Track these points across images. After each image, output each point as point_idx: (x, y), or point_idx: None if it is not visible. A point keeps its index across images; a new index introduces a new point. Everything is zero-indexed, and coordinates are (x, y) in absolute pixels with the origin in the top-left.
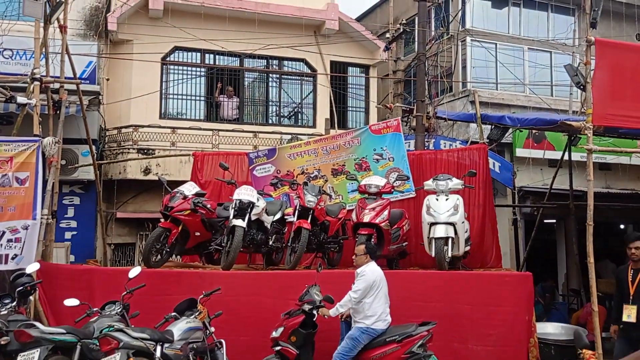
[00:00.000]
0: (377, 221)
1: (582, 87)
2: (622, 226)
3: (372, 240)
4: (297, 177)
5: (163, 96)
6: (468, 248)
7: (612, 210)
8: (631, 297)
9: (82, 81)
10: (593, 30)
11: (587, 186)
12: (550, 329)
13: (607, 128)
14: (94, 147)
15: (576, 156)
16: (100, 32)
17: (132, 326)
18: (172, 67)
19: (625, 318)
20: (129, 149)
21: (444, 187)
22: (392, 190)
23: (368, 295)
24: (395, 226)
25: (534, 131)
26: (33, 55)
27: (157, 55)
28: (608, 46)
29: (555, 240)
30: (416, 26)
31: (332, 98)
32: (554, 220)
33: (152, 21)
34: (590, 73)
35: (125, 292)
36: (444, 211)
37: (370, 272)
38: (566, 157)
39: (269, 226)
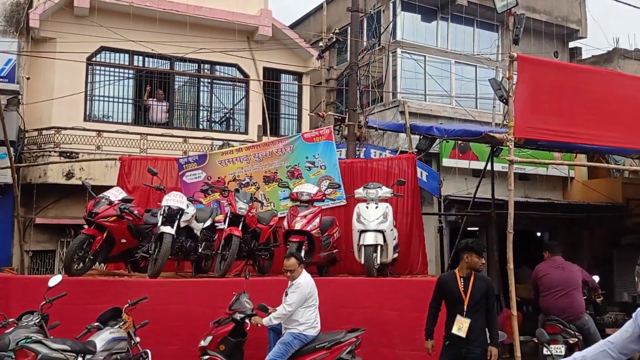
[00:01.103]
0: (308, 229)
1: (504, 100)
2: (539, 234)
3: (303, 247)
4: (228, 183)
5: (88, 98)
6: (396, 255)
7: (530, 219)
8: (465, 309)
9: (1, 79)
10: (515, 47)
11: (508, 195)
12: None
13: (526, 140)
14: (12, 149)
15: (498, 167)
16: (21, 28)
17: (52, 337)
18: (98, 67)
19: (455, 330)
20: (50, 151)
21: (374, 196)
22: (324, 198)
23: (302, 306)
24: (326, 234)
25: (459, 142)
26: None
27: (83, 55)
28: (529, 62)
29: None
30: (349, 36)
31: (264, 105)
32: (477, 228)
33: (77, 19)
34: (512, 87)
35: (44, 302)
36: (374, 219)
37: (304, 284)
38: (489, 167)
39: (198, 233)
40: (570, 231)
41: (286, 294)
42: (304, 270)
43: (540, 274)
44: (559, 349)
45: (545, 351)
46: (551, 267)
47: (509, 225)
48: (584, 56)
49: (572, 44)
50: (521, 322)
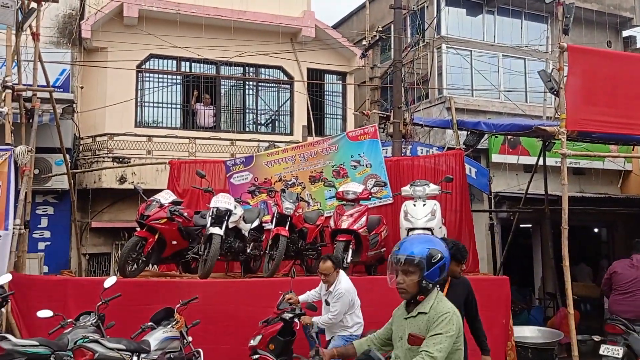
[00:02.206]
0: (355, 227)
1: (555, 92)
2: (596, 230)
3: (351, 246)
4: (274, 184)
5: (138, 104)
6: None
7: (586, 214)
8: None
9: (56, 89)
10: (565, 37)
11: (562, 190)
12: (528, 333)
13: (580, 133)
14: (67, 156)
15: (550, 161)
16: (73, 39)
17: (108, 337)
18: (147, 74)
19: None
20: (103, 157)
21: (421, 193)
22: (370, 196)
23: (347, 312)
24: (374, 232)
25: (509, 137)
26: (4, 63)
27: (132, 62)
28: (580, 52)
29: (532, 244)
30: (392, 33)
31: (309, 105)
32: (530, 225)
33: (127, 28)
34: (563, 79)
35: (100, 303)
36: (422, 217)
37: (346, 292)
38: (541, 162)
39: (246, 234)
40: (629, 227)
41: (326, 303)
42: (341, 274)
43: (611, 271)
44: (616, 350)
45: (601, 351)
46: (624, 265)
47: (563, 220)
48: (638, 45)
49: (625, 33)
50: (578, 321)
